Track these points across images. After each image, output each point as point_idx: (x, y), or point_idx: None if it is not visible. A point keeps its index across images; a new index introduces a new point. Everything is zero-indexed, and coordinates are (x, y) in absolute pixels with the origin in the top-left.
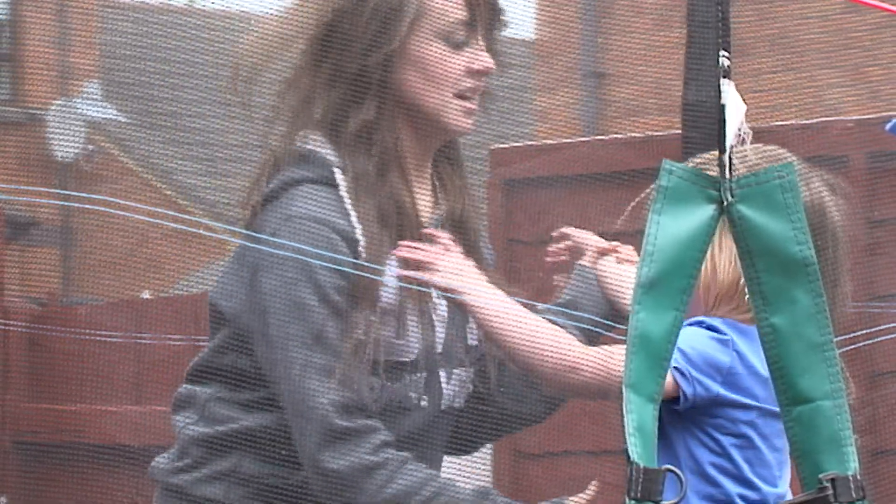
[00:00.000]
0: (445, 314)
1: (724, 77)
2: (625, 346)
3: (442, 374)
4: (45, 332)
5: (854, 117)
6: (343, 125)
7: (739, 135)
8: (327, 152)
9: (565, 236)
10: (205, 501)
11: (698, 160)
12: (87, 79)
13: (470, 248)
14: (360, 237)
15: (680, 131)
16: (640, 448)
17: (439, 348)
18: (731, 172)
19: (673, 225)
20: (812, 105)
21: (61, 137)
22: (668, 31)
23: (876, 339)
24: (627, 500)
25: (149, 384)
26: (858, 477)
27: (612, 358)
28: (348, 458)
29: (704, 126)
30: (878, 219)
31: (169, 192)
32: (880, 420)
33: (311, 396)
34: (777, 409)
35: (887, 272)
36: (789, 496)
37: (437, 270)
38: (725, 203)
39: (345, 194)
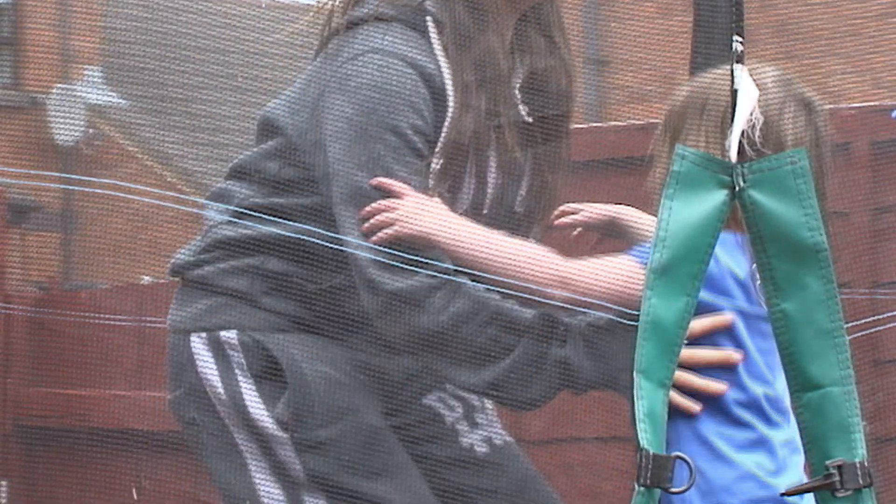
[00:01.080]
0: (496, 179)
1: (738, 62)
2: (607, 260)
3: None
4: (47, 316)
5: (857, 105)
6: None
7: (751, 120)
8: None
9: (568, 213)
10: (228, 292)
11: (708, 77)
12: (89, 63)
13: (555, 109)
14: (449, 86)
15: None
16: (650, 434)
17: (485, 210)
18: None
19: (685, 210)
20: (815, 92)
21: (62, 122)
22: (670, 18)
23: (884, 327)
24: (637, 487)
25: (152, 368)
26: (866, 464)
27: (603, 270)
28: (409, 280)
29: None
30: (882, 206)
31: (171, 178)
32: (887, 407)
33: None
34: (760, 311)
35: (892, 259)
36: (787, 398)
37: (398, 216)
38: (737, 188)
39: (436, 43)
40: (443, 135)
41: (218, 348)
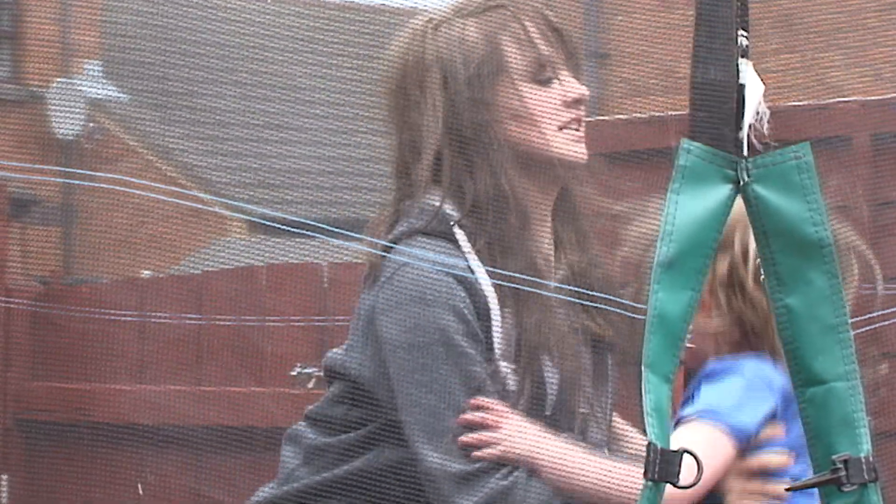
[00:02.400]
0: (556, 380)
1: (743, 56)
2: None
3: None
4: (48, 311)
5: (859, 98)
6: (465, 186)
7: (757, 115)
8: (449, 208)
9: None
10: None
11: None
12: (89, 57)
13: (595, 299)
14: (485, 288)
15: (683, 112)
16: (657, 429)
17: (548, 411)
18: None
19: (691, 204)
20: (816, 86)
21: (62, 116)
22: (671, 11)
23: (888, 322)
24: (644, 481)
25: (153, 363)
26: (871, 459)
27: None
28: (484, 489)
29: (714, 106)
30: (884, 200)
31: (172, 173)
32: (891, 402)
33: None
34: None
35: (895, 254)
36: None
37: (501, 435)
38: (742, 183)
39: (464, 246)
40: (498, 337)
41: None
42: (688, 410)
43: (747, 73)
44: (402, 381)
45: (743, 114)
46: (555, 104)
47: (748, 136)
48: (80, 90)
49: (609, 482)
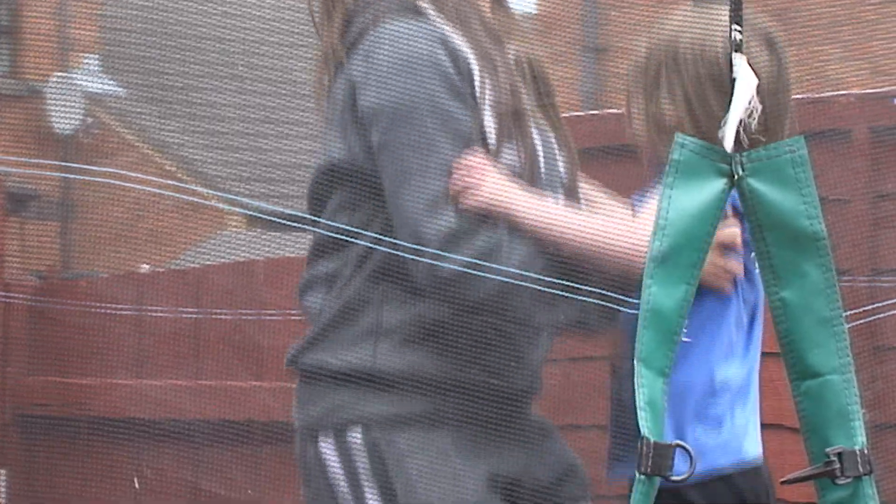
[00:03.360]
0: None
1: (736, 51)
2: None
3: None
4: (46, 305)
5: (857, 91)
6: None
7: (749, 108)
8: None
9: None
10: (347, 373)
11: (672, 22)
12: (87, 52)
13: (540, 87)
14: (465, 50)
15: None
16: (650, 422)
17: (542, 179)
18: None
19: (684, 199)
20: (814, 79)
21: (60, 111)
22: (668, 5)
23: (884, 315)
24: (637, 475)
25: (151, 357)
26: (866, 451)
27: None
28: (470, 247)
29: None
30: (883, 192)
31: (170, 167)
32: (886, 394)
33: (421, 209)
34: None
35: (892, 246)
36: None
37: (484, 190)
38: (736, 177)
39: (434, 16)
40: (482, 94)
41: (345, 453)
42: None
43: (740, 66)
44: (387, 147)
45: (732, 108)
46: None
47: (740, 130)
48: (78, 84)
49: (589, 234)
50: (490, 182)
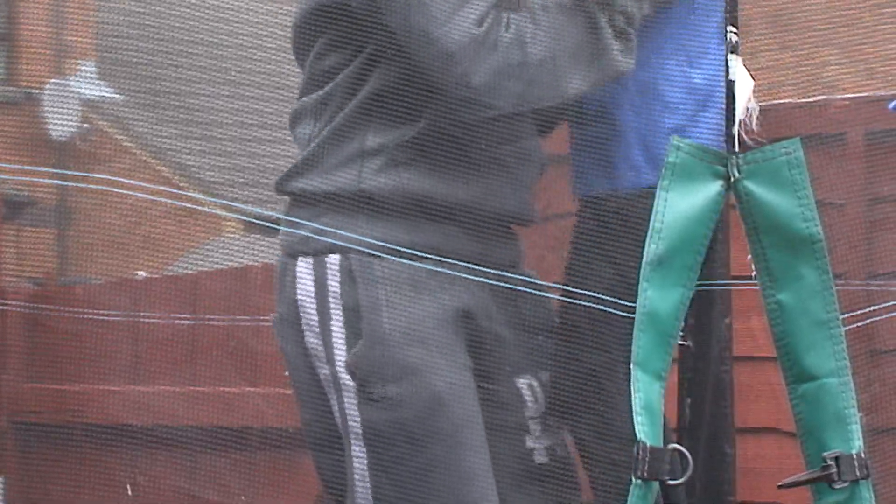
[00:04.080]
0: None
1: (732, 53)
2: None
3: None
4: (41, 312)
5: (851, 95)
6: None
7: (748, 110)
8: None
9: None
10: (335, 196)
11: None
12: (83, 57)
13: None
14: None
15: None
16: (646, 427)
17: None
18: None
19: (681, 201)
20: (809, 83)
21: (57, 116)
22: None
23: (879, 318)
24: (633, 479)
25: (147, 364)
26: (863, 455)
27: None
28: (498, 46)
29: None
30: (877, 196)
31: (166, 173)
32: (882, 398)
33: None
34: None
35: (888, 249)
36: None
37: None
38: (732, 179)
39: None
40: None
41: (320, 272)
42: None
43: (737, 69)
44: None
45: (733, 110)
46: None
47: (738, 132)
48: (75, 90)
49: None
50: None
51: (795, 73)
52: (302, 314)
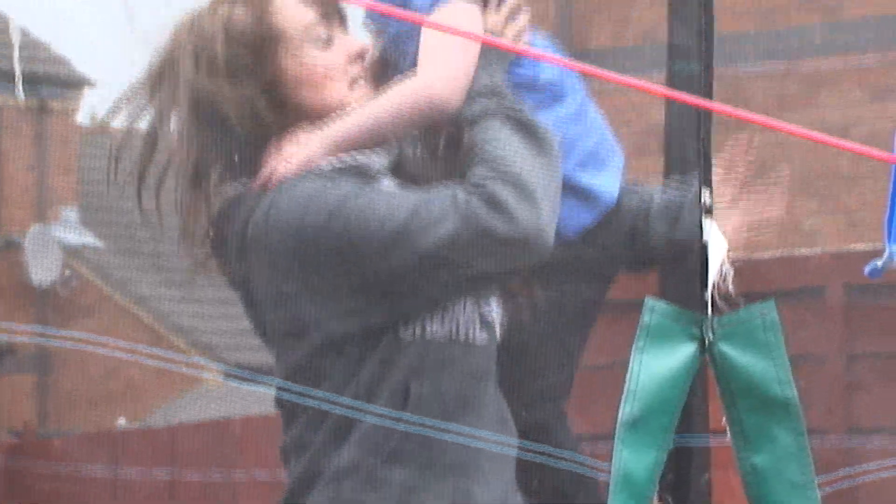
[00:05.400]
0: None
1: (707, 214)
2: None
3: None
4: (19, 467)
5: (832, 250)
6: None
7: (721, 273)
8: None
9: None
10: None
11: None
12: (65, 204)
13: None
14: None
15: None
16: None
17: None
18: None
19: (655, 363)
20: (790, 233)
21: (38, 264)
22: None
23: (860, 480)
24: None
25: None
26: None
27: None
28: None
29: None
30: (855, 353)
31: (147, 320)
32: None
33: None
34: None
35: (866, 407)
36: None
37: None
38: (707, 342)
39: None
40: None
41: None
42: None
43: (711, 231)
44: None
45: (707, 272)
46: (340, 63)
47: (713, 293)
48: (56, 237)
49: (385, 103)
50: (289, 149)
51: (775, 226)
52: None
